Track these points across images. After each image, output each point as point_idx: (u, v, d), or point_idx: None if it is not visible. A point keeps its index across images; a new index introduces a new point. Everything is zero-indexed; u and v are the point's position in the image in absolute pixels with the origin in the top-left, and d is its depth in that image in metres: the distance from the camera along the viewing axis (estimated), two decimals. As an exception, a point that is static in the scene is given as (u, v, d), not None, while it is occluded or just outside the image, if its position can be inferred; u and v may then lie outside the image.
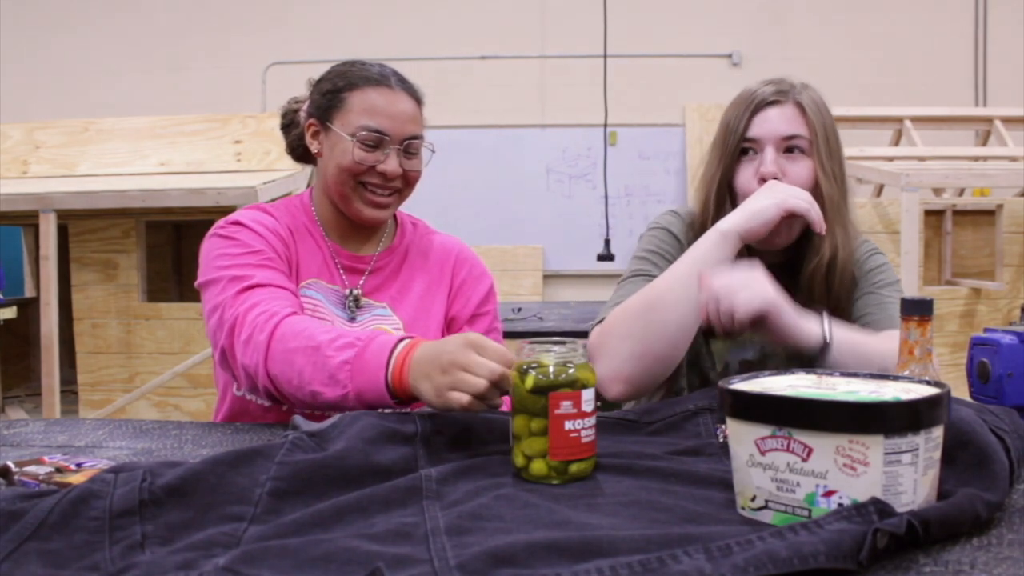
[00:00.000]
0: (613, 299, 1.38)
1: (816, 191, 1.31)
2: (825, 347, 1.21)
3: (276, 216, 1.44)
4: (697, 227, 1.38)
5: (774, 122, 1.32)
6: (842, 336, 1.24)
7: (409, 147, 1.39)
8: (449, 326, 1.49)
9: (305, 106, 1.47)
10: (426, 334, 1.43)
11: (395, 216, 1.54)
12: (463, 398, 0.98)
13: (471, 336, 1.02)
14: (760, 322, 1.18)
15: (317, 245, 1.44)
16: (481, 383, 0.97)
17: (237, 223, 1.40)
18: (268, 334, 1.20)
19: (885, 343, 1.23)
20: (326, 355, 1.13)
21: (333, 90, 1.39)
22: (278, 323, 1.20)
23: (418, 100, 1.42)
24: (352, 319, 1.41)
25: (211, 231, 1.41)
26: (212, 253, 1.37)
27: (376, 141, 1.36)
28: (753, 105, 1.33)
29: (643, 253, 1.44)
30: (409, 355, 1.07)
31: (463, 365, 0.99)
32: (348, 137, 1.36)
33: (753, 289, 1.17)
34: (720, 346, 1.41)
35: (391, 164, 1.37)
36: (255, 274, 1.31)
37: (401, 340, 1.11)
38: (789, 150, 1.33)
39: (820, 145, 1.32)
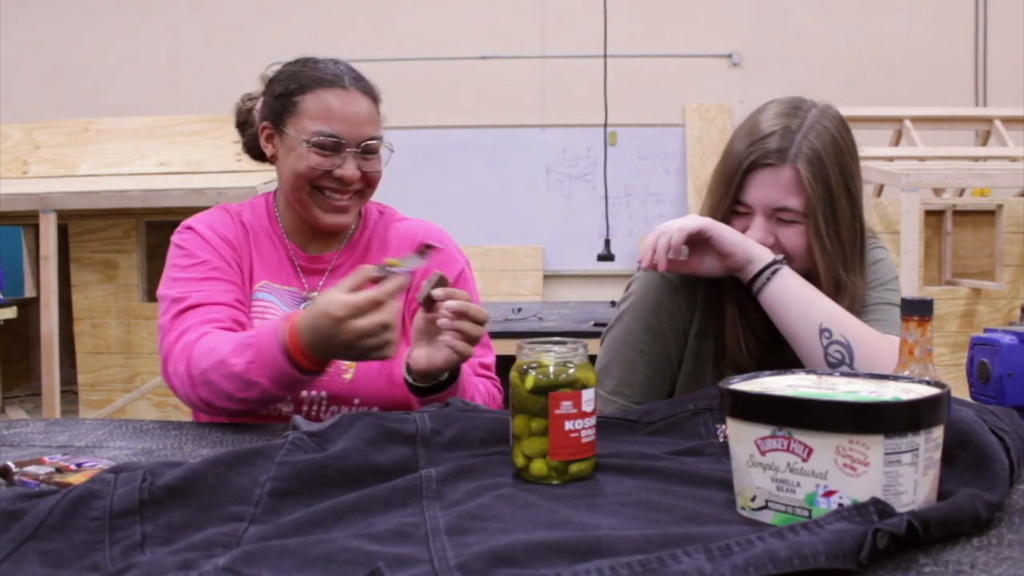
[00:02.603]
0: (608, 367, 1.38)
1: (810, 258, 1.28)
2: (770, 270, 1.23)
3: (235, 216, 1.43)
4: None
5: (767, 189, 1.26)
6: (794, 280, 1.24)
7: (367, 149, 1.35)
8: (413, 316, 1.41)
9: (259, 105, 1.44)
10: None
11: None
12: (389, 353, 1.10)
13: (333, 311, 1.07)
14: (703, 243, 1.26)
15: (274, 246, 1.42)
16: (389, 336, 1.08)
17: (190, 228, 1.41)
18: (186, 363, 1.24)
19: (847, 315, 1.23)
20: (231, 364, 1.18)
21: (285, 93, 1.35)
22: (192, 349, 1.24)
23: (374, 99, 1.39)
24: None
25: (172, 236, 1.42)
26: (167, 265, 1.39)
27: (332, 146, 1.32)
28: (748, 163, 1.26)
29: (633, 324, 1.37)
30: (295, 330, 1.13)
31: (360, 334, 1.07)
32: (303, 142, 1.32)
33: (689, 217, 1.27)
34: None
35: (348, 169, 1.33)
36: (192, 294, 1.32)
37: (281, 322, 1.17)
38: (782, 219, 1.28)
39: (817, 211, 1.25)
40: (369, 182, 1.37)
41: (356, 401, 1.34)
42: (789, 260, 1.27)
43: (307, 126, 1.32)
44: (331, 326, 1.07)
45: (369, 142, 1.34)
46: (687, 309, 1.36)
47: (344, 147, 1.33)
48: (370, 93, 1.38)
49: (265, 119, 1.39)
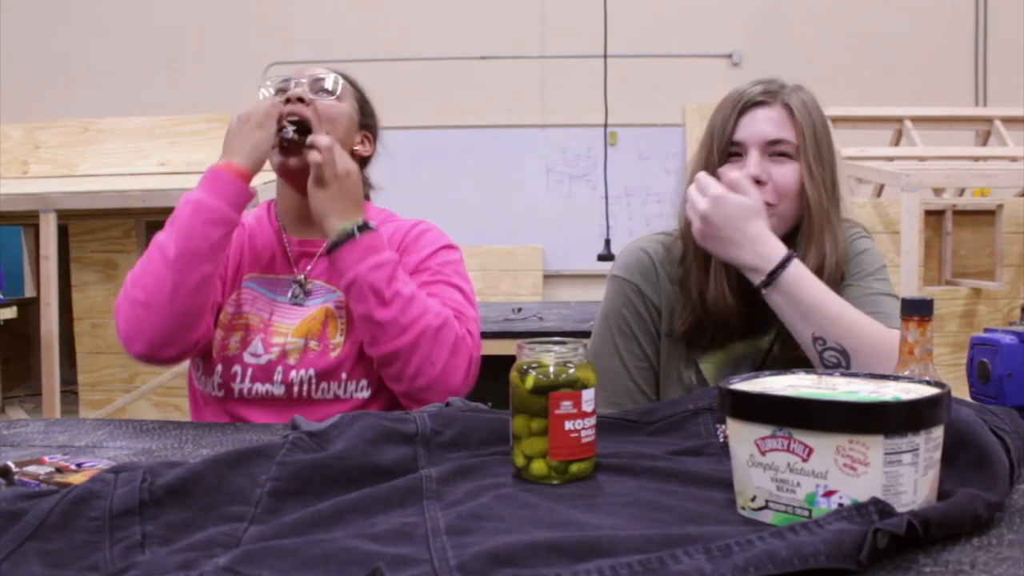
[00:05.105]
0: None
1: (802, 196, 1.31)
2: (781, 267, 1.23)
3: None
4: (687, 236, 1.35)
5: (760, 124, 1.31)
6: (789, 289, 1.23)
7: (316, 85, 1.48)
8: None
9: None
10: None
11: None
12: (271, 112, 1.37)
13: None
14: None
15: (271, 241, 1.52)
16: (264, 105, 1.36)
17: None
18: (124, 294, 1.36)
19: (857, 314, 1.23)
20: (165, 228, 1.34)
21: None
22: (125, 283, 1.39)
23: (346, 79, 1.53)
24: (298, 303, 1.45)
25: None
26: None
27: (284, 85, 1.48)
28: (740, 106, 1.32)
29: (607, 333, 1.43)
30: (223, 159, 1.37)
31: (249, 113, 1.36)
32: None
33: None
34: (711, 369, 1.40)
35: (295, 90, 1.44)
36: None
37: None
38: (776, 153, 1.31)
39: (808, 149, 1.30)
40: (321, 116, 1.44)
41: (343, 375, 1.40)
42: (779, 202, 1.30)
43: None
44: (234, 121, 1.38)
45: (319, 79, 1.48)
46: (653, 310, 1.41)
47: (292, 81, 1.48)
48: (338, 72, 1.53)
49: None
